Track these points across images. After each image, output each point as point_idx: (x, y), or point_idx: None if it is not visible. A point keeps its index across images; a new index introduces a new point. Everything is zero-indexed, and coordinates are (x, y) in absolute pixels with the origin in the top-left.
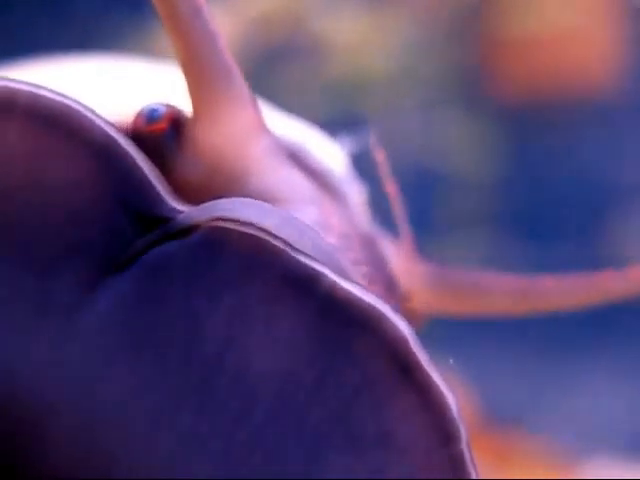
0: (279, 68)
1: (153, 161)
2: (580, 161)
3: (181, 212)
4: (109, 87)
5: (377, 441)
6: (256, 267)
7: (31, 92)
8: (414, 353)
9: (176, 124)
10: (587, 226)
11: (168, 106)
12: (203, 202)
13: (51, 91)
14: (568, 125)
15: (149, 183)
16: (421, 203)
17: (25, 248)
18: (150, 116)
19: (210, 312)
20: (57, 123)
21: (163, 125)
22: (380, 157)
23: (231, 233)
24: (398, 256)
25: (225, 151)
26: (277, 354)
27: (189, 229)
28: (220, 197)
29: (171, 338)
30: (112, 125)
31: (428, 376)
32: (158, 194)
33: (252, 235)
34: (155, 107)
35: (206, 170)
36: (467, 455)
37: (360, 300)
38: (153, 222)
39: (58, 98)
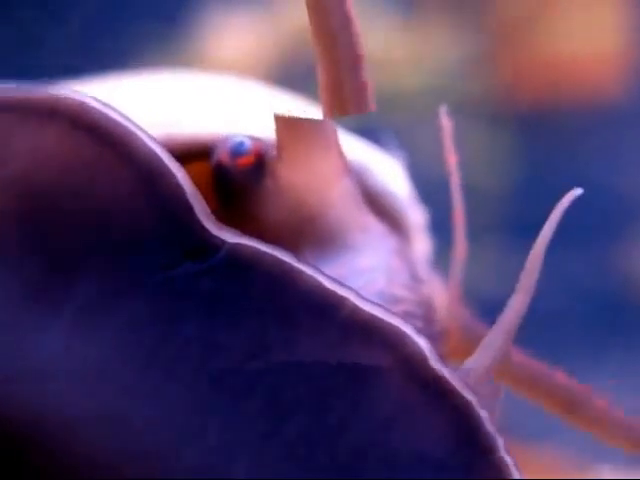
0: (313, 81)
1: (233, 193)
2: (595, 171)
3: (216, 235)
4: (186, 103)
5: (412, 460)
6: (277, 291)
7: (75, 101)
8: (438, 371)
9: (261, 159)
10: (601, 234)
11: (254, 139)
12: (277, 238)
13: (97, 102)
14: (586, 138)
15: (188, 205)
16: (440, 212)
17: (50, 247)
18: (237, 149)
19: (229, 333)
20: (99, 134)
21: (250, 159)
22: (454, 177)
23: (254, 255)
24: (443, 297)
25: (306, 192)
26: (305, 377)
27: (215, 250)
28: (295, 236)
29: (186, 354)
30: (157, 142)
31: (457, 393)
32: (196, 217)
33: (275, 257)
34: (242, 140)
35: (284, 208)
36: (507, 461)
37: (381, 322)
38: (186, 242)
39: (103, 110)
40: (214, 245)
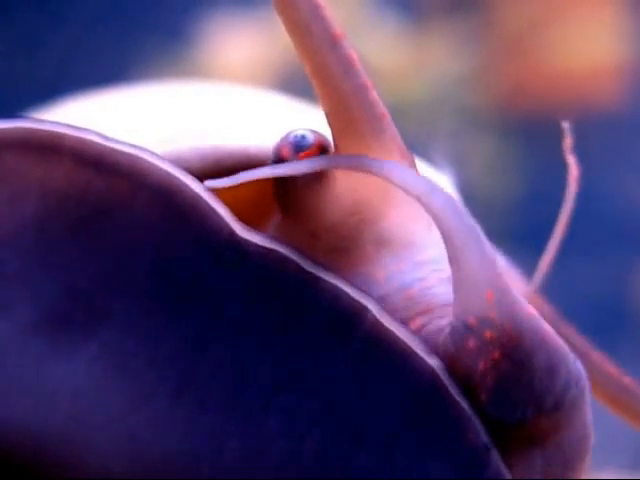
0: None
1: (293, 192)
2: (597, 181)
3: (246, 242)
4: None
5: (413, 473)
6: (302, 310)
7: (76, 137)
8: (443, 391)
9: (323, 153)
10: (605, 243)
11: (315, 133)
12: (337, 238)
13: (97, 134)
14: (588, 148)
15: (212, 212)
16: None
17: (72, 281)
18: (299, 143)
19: (258, 360)
20: (106, 166)
21: (313, 151)
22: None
23: (279, 263)
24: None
25: (366, 196)
26: (322, 399)
27: (243, 256)
28: (355, 236)
29: (215, 383)
30: (168, 162)
31: (457, 410)
32: (223, 223)
33: (299, 267)
34: (304, 133)
35: (344, 209)
36: (502, 472)
37: (397, 340)
38: (215, 250)
39: (104, 142)
40: (244, 250)
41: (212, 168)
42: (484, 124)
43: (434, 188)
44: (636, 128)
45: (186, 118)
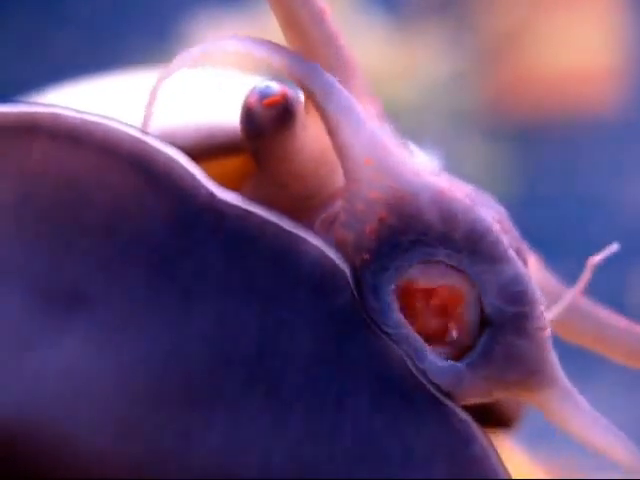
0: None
1: (262, 141)
2: (591, 183)
3: (224, 203)
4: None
5: (403, 458)
6: (279, 266)
7: (48, 113)
8: (411, 376)
9: (288, 102)
10: (600, 246)
11: (281, 84)
12: (305, 189)
13: (68, 109)
14: (579, 150)
15: (189, 174)
16: None
17: (56, 262)
18: (264, 91)
19: (242, 320)
20: (79, 139)
21: (277, 99)
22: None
23: (259, 225)
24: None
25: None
26: (299, 369)
27: (221, 218)
28: (324, 186)
29: (201, 353)
30: (140, 129)
31: (435, 397)
32: (200, 183)
33: (279, 227)
34: (268, 83)
35: (313, 160)
36: (489, 452)
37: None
38: (193, 212)
39: (77, 115)
40: (222, 212)
41: (206, 143)
42: (473, 127)
43: (312, 67)
44: (627, 131)
45: (180, 97)
